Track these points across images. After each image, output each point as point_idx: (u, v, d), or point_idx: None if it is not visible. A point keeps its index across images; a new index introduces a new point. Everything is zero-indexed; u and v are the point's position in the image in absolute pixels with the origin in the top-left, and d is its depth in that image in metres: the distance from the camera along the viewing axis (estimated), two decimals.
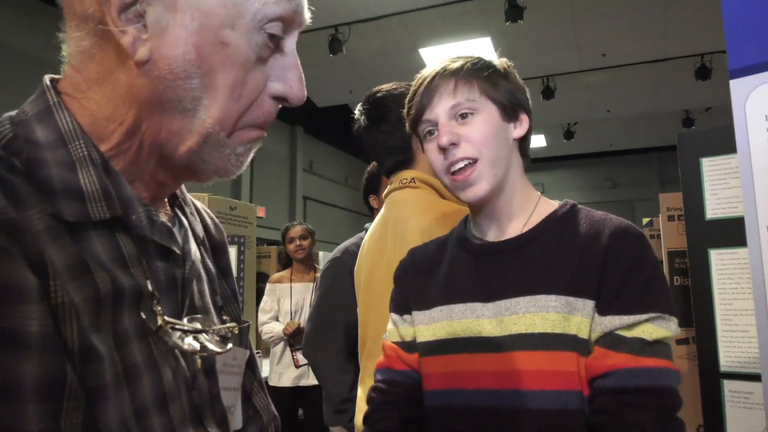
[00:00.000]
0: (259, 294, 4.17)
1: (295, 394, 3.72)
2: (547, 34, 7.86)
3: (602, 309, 0.91)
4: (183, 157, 0.58)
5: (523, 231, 1.02)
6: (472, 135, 0.99)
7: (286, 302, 3.86)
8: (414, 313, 1.11)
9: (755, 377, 1.44)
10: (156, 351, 0.56)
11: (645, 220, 3.58)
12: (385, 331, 1.48)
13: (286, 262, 4.06)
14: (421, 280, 1.12)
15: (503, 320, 0.96)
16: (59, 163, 0.53)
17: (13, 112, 0.56)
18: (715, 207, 1.57)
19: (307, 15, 0.64)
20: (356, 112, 1.60)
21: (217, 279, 0.75)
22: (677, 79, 9.10)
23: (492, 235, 1.06)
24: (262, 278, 4.64)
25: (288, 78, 0.61)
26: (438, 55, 8.26)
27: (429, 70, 1.07)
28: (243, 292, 4.15)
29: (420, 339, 1.08)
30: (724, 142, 1.54)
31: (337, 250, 2.33)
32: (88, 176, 0.54)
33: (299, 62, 0.63)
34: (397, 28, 7.77)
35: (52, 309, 0.48)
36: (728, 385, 1.50)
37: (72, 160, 0.54)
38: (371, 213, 2.39)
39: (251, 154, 0.63)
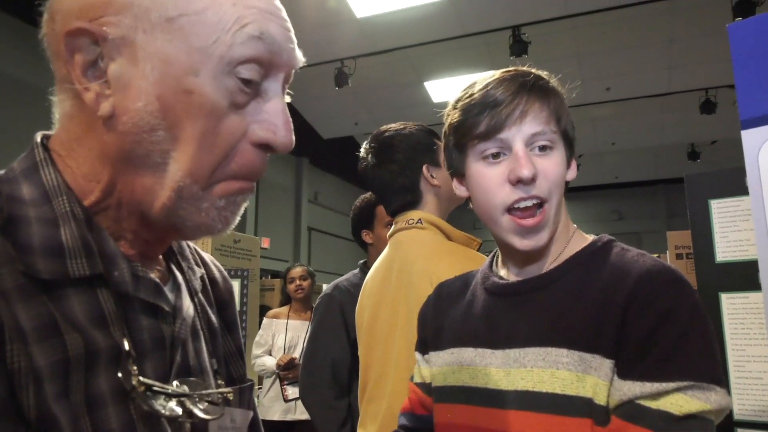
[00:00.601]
0: None
1: (283, 428, 3.68)
2: (552, 68, 7.87)
3: (623, 372, 0.75)
4: (159, 214, 0.55)
5: (543, 271, 0.88)
6: (549, 172, 0.84)
7: (280, 337, 3.85)
8: (431, 353, 1.01)
9: None
10: (135, 416, 0.53)
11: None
12: (387, 374, 1.44)
13: (285, 299, 4.09)
14: (441, 319, 1.02)
15: (510, 372, 0.85)
16: (41, 219, 0.52)
17: (2, 170, 0.56)
18: (725, 250, 1.55)
19: (293, 55, 0.60)
20: (362, 150, 1.60)
21: (221, 334, 0.73)
22: (682, 113, 9.15)
23: (515, 274, 0.93)
24: (265, 311, 4.62)
25: (271, 124, 0.57)
26: (443, 89, 8.35)
27: (507, 77, 0.89)
28: (246, 326, 4.13)
29: (434, 383, 0.99)
30: (733, 183, 1.53)
31: (329, 286, 2.36)
32: (70, 232, 0.53)
33: (285, 107, 0.59)
34: (403, 61, 7.87)
35: (9, 374, 0.46)
36: None
37: (55, 216, 0.53)
38: (364, 249, 2.39)
39: (240, 208, 0.59)
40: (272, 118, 0.57)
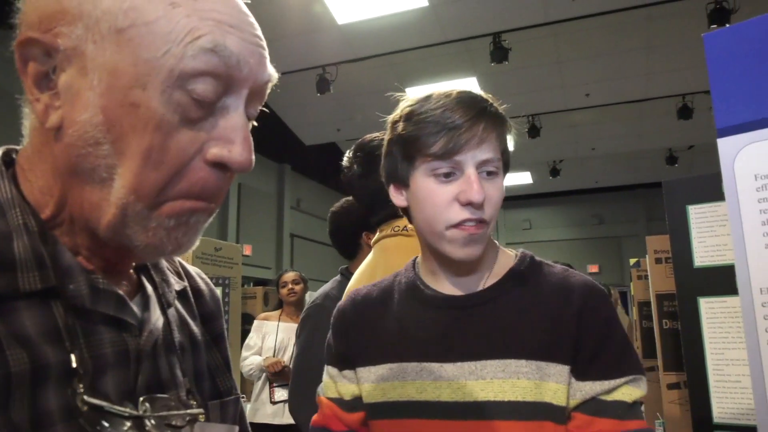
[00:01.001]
0: (244, 336, 4.12)
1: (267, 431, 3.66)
2: (532, 74, 8.01)
3: (580, 374, 0.87)
4: (107, 232, 0.53)
5: (486, 286, 0.94)
6: (493, 197, 0.90)
7: (270, 338, 3.83)
8: (359, 369, 0.99)
9: (750, 429, 1.41)
10: None
11: (632, 261, 3.58)
12: None
13: (278, 304, 4.07)
14: (366, 332, 1.00)
15: (466, 384, 0.89)
16: None
17: None
18: (703, 255, 1.57)
19: (259, 69, 0.56)
20: (346, 159, 1.59)
21: (208, 347, 0.72)
22: (660, 119, 9.29)
23: (447, 287, 0.96)
24: (247, 320, 4.58)
25: (227, 141, 0.53)
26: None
27: (465, 100, 0.91)
28: (228, 334, 4.09)
29: (368, 399, 0.98)
30: (710, 189, 1.55)
31: (318, 296, 2.27)
32: (23, 244, 0.51)
33: (245, 124, 0.55)
34: (385, 68, 7.89)
35: None
36: None
37: (9, 229, 0.52)
38: (355, 252, 2.31)
39: (195, 230, 0.56)
40: (229, 134, 0.54)
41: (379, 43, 7.12)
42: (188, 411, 0.59)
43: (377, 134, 1.57)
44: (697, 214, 1.58)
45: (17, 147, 0.59)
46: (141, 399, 0.56)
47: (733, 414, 1.47)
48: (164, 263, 0.70)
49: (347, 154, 1.60)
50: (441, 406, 0.90)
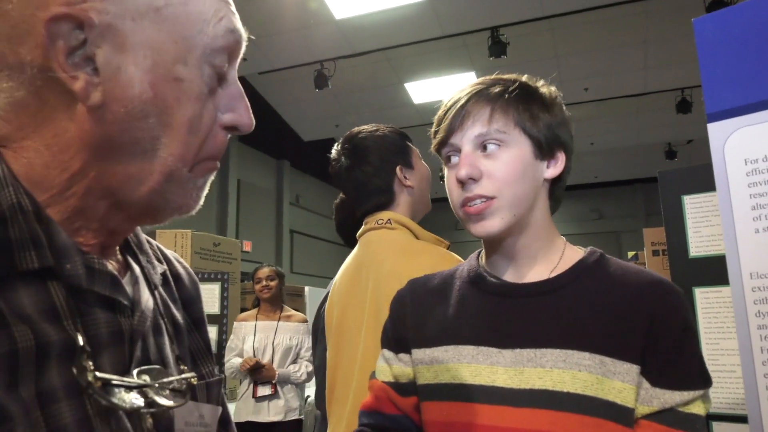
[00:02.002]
0: None
1: (257, 430, 3.66)
2: (531, 68, 7.93)
3: (657, 380, 0.83)
4: (143, 198, 0.57)
5: (550, 276, 0.92)
6: (495, 172, 0.89)
7: (249, 340, 3.83)
8: (414, 351, 0.99)
9: (741, 419, 1.41)
10: (91, 410, 0.52)
11: (630, 254, 3.58)
12: (353, 375, 1.41)
13: (255, 301, 4.06)
14: (424, 316, 1.01)
15: (524, 371, 0.86)
16: None
17: None
18: (698, 245, 1.57)
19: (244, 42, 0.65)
20: (334, 152, 1.60)
21: (188, 331, 0.72)
22: (659, 113, 9.29)
23: (510, 276, 0.95)
24: None
25: (236, 107, 0.61)
26: (424, 90, 8.38)
27: (465, 89, 0.96)
28: (226, 329, 4.10)
29: (421, 381, 0.97)
30: (705, 179, 1.55)
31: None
32: (17, 224, 0.51)
33: (243, 91, 0.63)
34: (382, 63, 7.88)
35: None
36: (717, 428, 1.47)
37: (2, 209, 0.51)
38: (355, 245, 2.31)
39: (207, 187, 0.63)
40: (236, 101, 0.61)
41: (377, 38, 7.11)
42: (183, 375, 0.61)
43: (365, 127, 1.58)
44: (692, 204, 1.58)
45: None
46: (136, 371, 0.57)
47: (728, 404, 1.47)
48: (148, 246, 0.71)
49: (335, 147, 1.60)
50: (495, 391, 0.88)
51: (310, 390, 4.17)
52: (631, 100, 8.92)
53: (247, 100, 0.62)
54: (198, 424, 0.64)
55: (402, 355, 1.02)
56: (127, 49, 0.53)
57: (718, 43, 0.77)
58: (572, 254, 0.95)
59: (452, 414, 0.90)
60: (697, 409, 0.82)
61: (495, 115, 0.90)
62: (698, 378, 0.83)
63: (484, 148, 0.90)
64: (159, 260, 0.73)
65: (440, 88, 8.40)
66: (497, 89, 0.92)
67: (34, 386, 0.49)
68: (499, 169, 0.89)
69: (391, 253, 1.41)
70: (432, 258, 1.34)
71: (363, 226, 1.55)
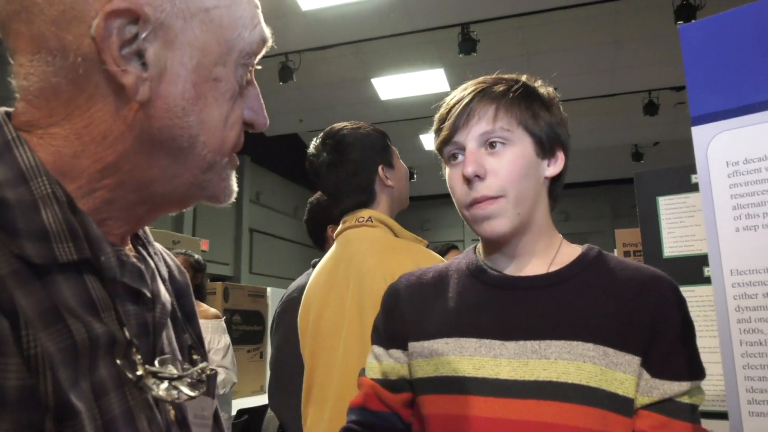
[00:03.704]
0: (249, 334, 4.00)
1: None
2: (500, 66, 8.00)
3: (656, 371, 0.87)
4: (178, 190, 0.61)
5: (549, 271, 0.96)
6: (500, 170, 0.92)
7: None
8: (411, 344, 1.01)
9: (721, 415, 1.49)
10: (132, 402, 0.54)
11: None
12: (332, 377, 1.42)
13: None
14: (421, 309, 1.02)
15: (528, 363, 0.89)
16: (20, 201, 0.50)
17: None
18: (672, 245, 1.65)
19: None
20: (313, 147, 1.60)
21: (183, 323, 0.74)
22: (626, 115, 9.53)
23: (509, 271, 0.99)
24: (257, 318, 4.51)
25: (255, 106, 0.65)
26: (391, 86, 8.42)
27: (468, 88, 0.99)
28: None
29: (418, 374, 0.98)
30: (680, 181, 1.63)
31: (293, 289, 2.26)
32: (53, 215, 0.52)
33: (259, 90, 0.68)
34: (350, 57, 7.89)
35: (26, 361, 0.46)
36: None
37: (34, 198, 0.51)
38: (323, 244, 2.33)
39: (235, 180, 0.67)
40: (255, 101, 0.65)
41: (345, 31, 7.12)
42: (200, 366, 0.64)
43: (346, 123, 1.59)
44: (667, 205, 1.66)
45: (9, 109, 0.57)
46: (157, 361, 0.59)
47: (705, 401, 1.55)
48: (151, 237, 0.72)
49: (314, 142, 1.61)
50: (499, 384, 0.90)
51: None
52: (599, 101, 9.14)
53: (261, 99, 0.67)
54: (202, 416, 0.67)
55: (393, 351, 1.04)
56: (176, 47, 0.55)
57: (702, 50, 0.83)
58: (569, 250, 0.99)
59: (455, 407, 0.92)
60: (694, 399, 0.88)
61: (500, 113, 0.93)
62: (695, 369, 0.88)
63: (488, 145, 0.94)
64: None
65: (407, 85, 8.45)
66: (501, 88, 0.96)
67: (89, 379, 0.50)
68: (504, 167, 0.92)
69: (374, 251, 1.43)
70: (414, 256, 1.37)
71: (341, 225, 1.56)
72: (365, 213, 1.52)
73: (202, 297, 3.61)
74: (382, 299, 1.10)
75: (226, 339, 3.38)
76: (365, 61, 8.02)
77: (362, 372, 1.10)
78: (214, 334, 3.36)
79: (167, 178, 0.59)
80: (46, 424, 0.46)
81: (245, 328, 4.89)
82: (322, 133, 1.61)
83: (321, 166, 1.57)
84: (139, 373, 0.54)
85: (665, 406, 0.87)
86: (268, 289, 6.02)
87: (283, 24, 6.94)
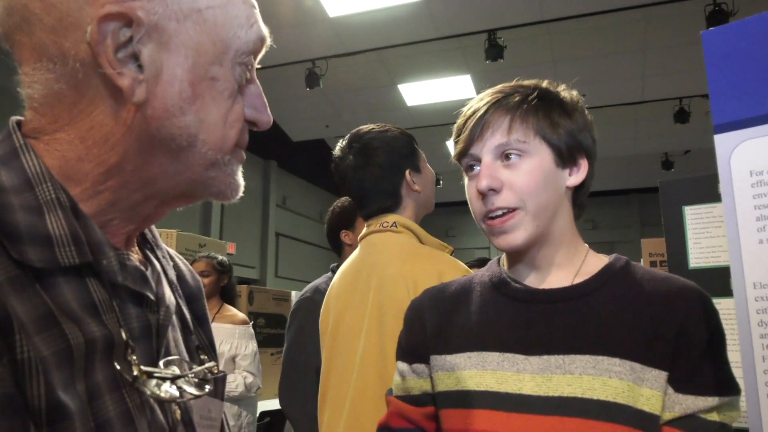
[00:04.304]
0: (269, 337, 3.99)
1: None
2: (527, 73, 7.99)
3: (680, 386, 0.84)
4: (181, 187, 0.61)
5: (574, 282, 0.93)
6: (516, 182, 0.90)
7: None
8: (433, 357, 0.99)
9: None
10: (131, 403, 0.55)
11: None
12: (348, 382, 1.41)
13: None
14: (444, 322, 1.01)
15: (552, 378, 0.87)
16: (25, 207, 0.52)
17: None
18: (698, 256, 1.61)
19: None
20: (339, 149, 1.59)
21: (193, 327, 0.74)
22: (656, 122, 9.38)
23: (533, 282, 0.96)
24: (279, 321, 4.54)
25: (257, 104, 0.65)
26: (417, 92, 8.42)
27: (484, 98, 0.97)
28: None
29: (440, 388, 0.97)
30: (706, 190, 1.59)
31: (307, 289, 2.30)
32: (56, 220, 0.53)
33: (262, 89, 0.68)
34: (376, 63, 7.91)
35: (17, 366, 0.47)
36: None
37: (39, 203, 0.53)
38: (340, 249, 2.35)
39: (242, 177, 0.67)
40: (257, 99, 0.65)
41: (371, 37, 7.14)
42: (206, 365, 0.65)
43: (373, 126, 1.58)
44: (693, 215, 1.62)
45: (21, 118, 0.60)
46: (162, 362, 0.60)
47: None
48: (161, 241, 0.73)
49: (340, 144, 1.59)
50: (522, 399, 0.87)
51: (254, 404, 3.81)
52: (629, 108, 9.01)
53: (265, 98, 0.67)
54: (209, 418, 0.67)
55: (416, 366, 1.02)
56: (171, 48, 0.56)
57: (725, 56, 0.81)
58: (595, 261, 0.97)
59: (475, 422, 0.90)
60: (721, 417, 0.82)
61: (514, 125, 0.92)
62: (723, 385, 0.83)
63: (504, 157, 0.92)
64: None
65: (434, 91, 8.44)
66: (516, 98, 0.94)
67: (84, 382, 0.51)
68: (520, 179, 0.91)
69: (397, 257, 1.42)
70: (438, 263, 1.36)
71: (365, 229, 1.55)
72: (390, 218, 1.50)
73: (230, 300, 3.59)
74: (405, 314, 1.09)
75: (253, 345, 3.39)
76: (391, 67, 8.03)
77: (389, 392, 1.08)
78: (242, 339, 3.35)
79: (169, 176, 0.60)
80: (32, 428, 0.46)
81: (269, 331, 4.92)
82: (348, 135, 1.59)
83: (347, 169, 1.56)
84: (135, 374, 0.54)
85: (687, 423, 0.83)
86: (292, 293, 6.06)
87: (309, 30, 6.99)
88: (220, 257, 3.62)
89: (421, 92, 8.51)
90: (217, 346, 3.09)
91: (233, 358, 3.30)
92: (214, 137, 0.60)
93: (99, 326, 0.53)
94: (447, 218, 13.50)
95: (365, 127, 1.59)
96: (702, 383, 0.83)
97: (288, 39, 7.01)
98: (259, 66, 0.68)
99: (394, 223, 1.48)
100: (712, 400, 0.82)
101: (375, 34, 7.07)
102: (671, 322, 0.86)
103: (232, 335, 3.34)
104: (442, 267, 1.33)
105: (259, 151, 11.18)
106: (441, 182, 11.91)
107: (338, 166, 1.59)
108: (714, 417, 0.82)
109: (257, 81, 0.66)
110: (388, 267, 1.41)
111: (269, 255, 11.45)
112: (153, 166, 0.59)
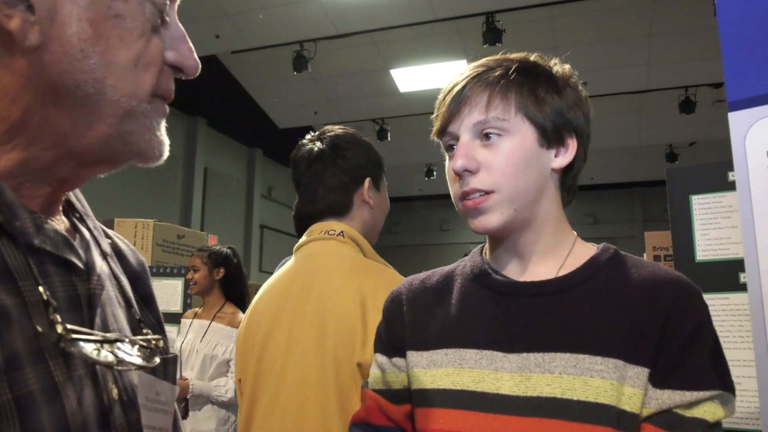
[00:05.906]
0: None
1: None
2: None
3: (659, 381, 0.82)
4: (98, 143, 0.58)
5: (559, 274, 0.91)
6: (493, 163, 0.88)
7: (179, 341, 3.39)
8: (410, 353, 0.98)
9: None
10: (58, 377, 0.52)
11: None
12: (283, 408, 1.29)
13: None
14: (422, 315, 0.99)
15: (531, 377, 0.85)
16: None
17: None
18: (705, 248, 1.59)
19: None
20: (306, 138, 1.56)
21: (138, 306, 0.72)
22: (661, 112, 9.40)
23: (515, 273, 0.95)
24: None
25: (180, 47, 0.62)
26: (411, 77, 8.38)
27: (465, 72, 0.94)
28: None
29: (416, 386, 0.96)
30: (715, 178, 1.57)
31: None
32: None
33: (185, 33, 0.65)
34: (368, 46, 7.86)
35: None
36: None
37: None
38: None
39: (166, 136, 0.63)
40: (179, 42, 0.62)
41: (363, 18, 7.09)
42: (150, 336, 0.63)
43: (344, 129, 1.55)
44: (701, 204, 1.60)
45: None
46: (99, 335, 0.56)
47: (737, 417, 1.49)
48: (91, 212, 0.71)
49: (310, 134, 1.57)
50: (500, 399, 0.86)
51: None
52: (633, 97, 9.02)
53: (190, 42, 0.64)
54: (156, 401, 0.64)
55: (396, 360, 1.01)
56: None
57: (742, 27, 0.78)
58: (583, 250, 0.95)
59: (451, 422, 0.89)
60: (703, 413, 0.80)
61: (494, 101, 0.89)
62: (705, 380, 0.81)
63: (484, 137, 0.90)
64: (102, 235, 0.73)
65: (428, 76, 8.40)
66: (498, 72, 0.92)
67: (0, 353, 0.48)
68: (499, 161, 0.88)
69: (342, 269, 1.36)
70: (387, 280, 1.31)
71: (305, 236, 1.47)
72: (337, 226, 1.43)
73: (236, 297, 3.44)
74: (384, 305, 1.07)
75: None
76: (384, 50, 7.99)
77: (365, 384, 1.06)
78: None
79: (81, 130, 0.57)
80: None
81: None
82: (322, 129, 1.57)
83: (305, 155, 1.50)
84: (60, 332, 0.51)
85: (663, 418, 0.81)
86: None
87: (297, 10, 6.93)
88: (217, 248, 3.48)
89: (414, 78, 8.46)
90: (211, 350, 3.00)
91: (227, 362, 3.21)
92: (125, 82, 0.57)
93: (12, 293, 0.51)
94: (441, 211, 13.49)
95: (339, 127, 1.57)
96: (680, 378, 0.81)
97: (274, 19, 6.95)
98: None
99: (342, 232, 1.41)
100: (689, 395, 0.80)
101: (367, 15, 7.02)
102: (655, 316, 0.84)
103: (229, 338, 3.24)
104: (389, 282, 1.25)
105: (243, 139, 11.13)
106: (435, 173, 11.91)
107: (300, 153, 1.53)
108: (695, 413, 0.80)
109: (178, 22, 0.63)
110: (333, 279, 1.34)
111: (253, 248, 11.41)
112: (61, 119, 0.56)
